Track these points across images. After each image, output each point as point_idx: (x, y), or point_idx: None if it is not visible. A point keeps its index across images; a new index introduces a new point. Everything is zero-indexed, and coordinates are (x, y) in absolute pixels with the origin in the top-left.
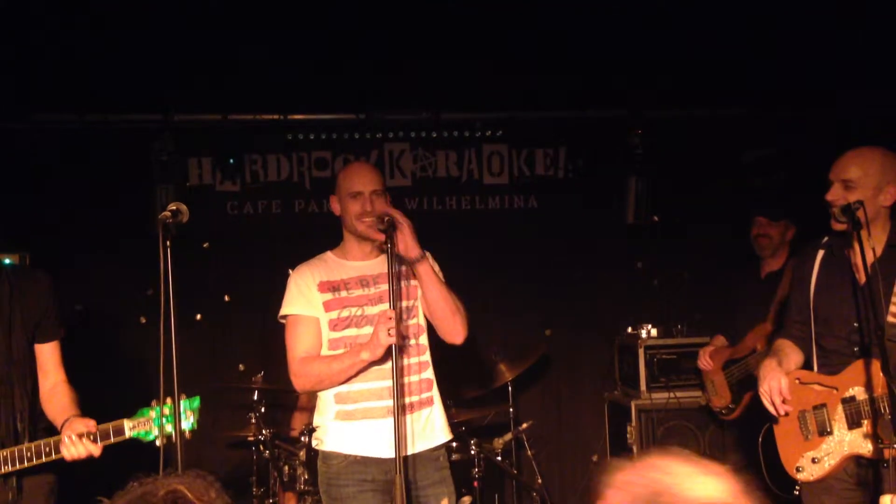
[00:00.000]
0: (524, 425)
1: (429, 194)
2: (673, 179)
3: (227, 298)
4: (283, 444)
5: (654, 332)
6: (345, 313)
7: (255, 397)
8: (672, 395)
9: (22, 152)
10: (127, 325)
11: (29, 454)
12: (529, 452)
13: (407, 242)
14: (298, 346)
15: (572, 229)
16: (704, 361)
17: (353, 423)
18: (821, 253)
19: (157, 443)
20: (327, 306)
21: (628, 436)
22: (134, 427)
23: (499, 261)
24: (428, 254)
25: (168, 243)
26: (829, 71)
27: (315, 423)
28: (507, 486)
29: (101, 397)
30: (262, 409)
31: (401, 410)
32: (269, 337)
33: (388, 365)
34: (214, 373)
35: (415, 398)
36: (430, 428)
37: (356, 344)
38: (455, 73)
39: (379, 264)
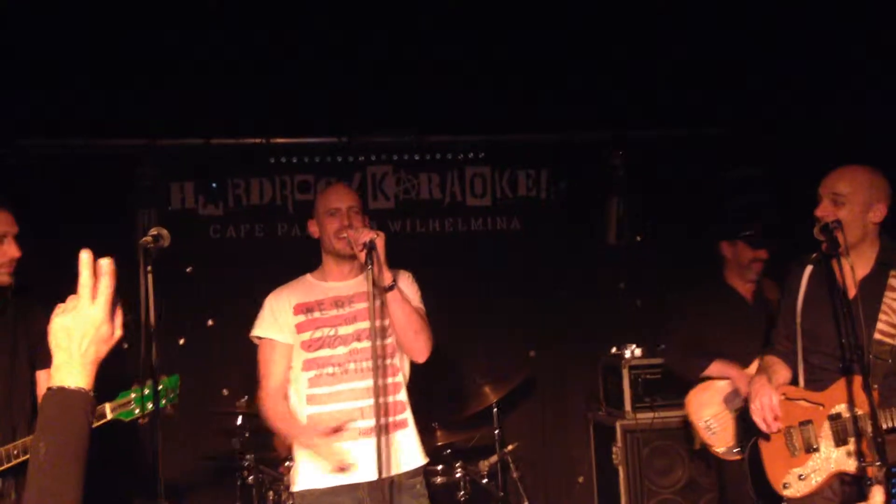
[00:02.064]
0: (509, 447)
1: (412, 217)
2: (655, 199)
3: (210, 323)
4: (268, 469)
5: (638, 351)
6: (318, 334)
7: (239, 422)
8: (657, 415)
9: (2, 177)
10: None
11: (16, 451)
12: (515, 474)
13: (380, 269)
14: (270, 375)
15: (555, 250)
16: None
17: (326, 445)
18: (809, 269)
19: (140, 422)
20: (300, 328)
21: (614, 456)
22: (115, 409)
23: (482, 282)
24: (408, 275)
25: (149, 269)
26: (816, 90)
27: (294, 446)
28: None
29: None
30: (247, 434)
31: (373, 432)
32: (254, 362)
33: (361, 384)
34: (198, 397)
35: (389, 419)
36: (404, 451)
37: (319, 428)
38: (438, 97)
39: (356, 285)
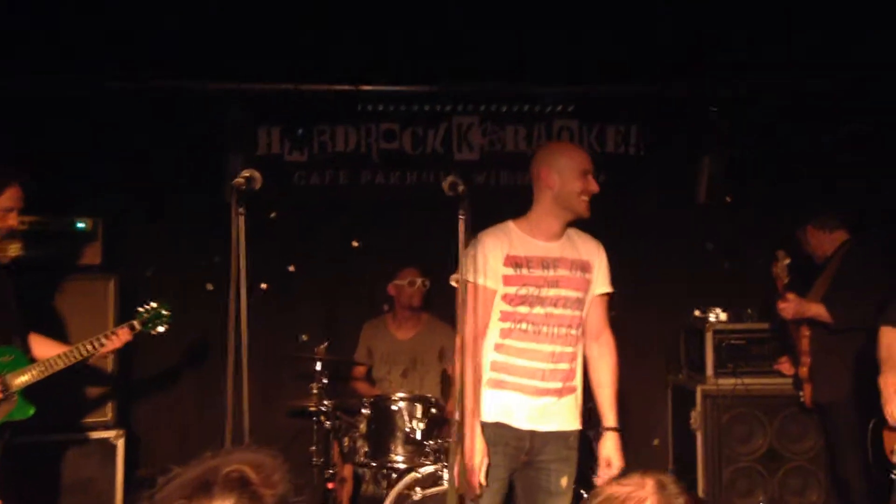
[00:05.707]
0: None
1: (497, 169)
2: (748, 157)
3: (292, 268)
4: (345, 415)
5: (723, 316)
6: (522, 291)
7: (318, 368)
8: (740, 381)
9: (95, 119)
10: (194, 291)
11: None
12: (590, 434)
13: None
14: (471, 319)
15: (642, 208)
16: None
17: (503, 391)
18: None
19: (153, 332)
20: (507, 280)
21: (692, 421)
22: (140, 324)
23: None
24: (601, 252)
25: (241, 210)
26: None
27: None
28: None
29: (167, 357)
30: (325, 380)
31: (547, 393)
32: (334, 307)
33: (549, 348)
34: (278, 342)
35: (561, 384)
36: (567, 414)
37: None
38: (526, 46)
39: (560, 247)
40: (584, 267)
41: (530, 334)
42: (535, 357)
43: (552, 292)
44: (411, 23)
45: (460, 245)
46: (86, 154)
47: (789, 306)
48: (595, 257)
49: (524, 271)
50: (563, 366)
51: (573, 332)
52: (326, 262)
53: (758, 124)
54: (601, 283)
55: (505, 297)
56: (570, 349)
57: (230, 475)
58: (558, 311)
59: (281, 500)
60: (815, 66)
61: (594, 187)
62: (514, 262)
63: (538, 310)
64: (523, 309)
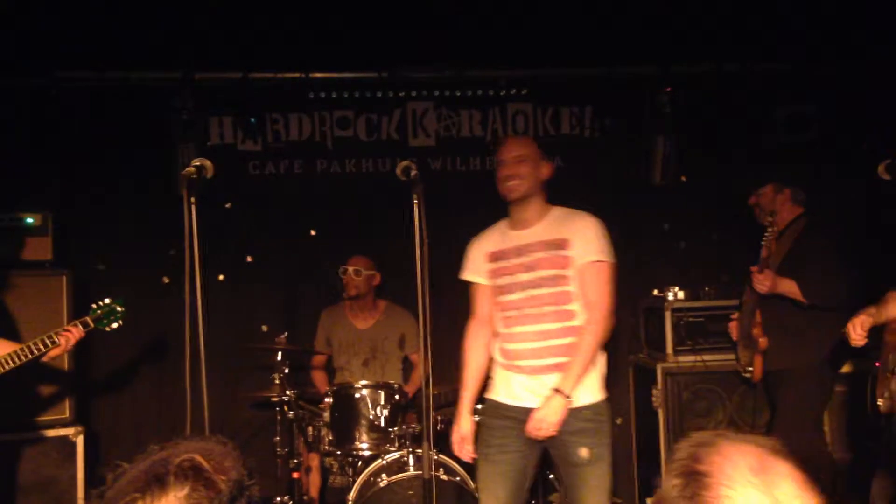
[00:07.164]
0: None
1: (452, 154)
2: (702, 138)
3: (249, 259)
4: (307, 405)
5: (681, 294)
6: (501, 281)
7: (279, 358)
8: (699, 358)
9: (42, 111)
10: (150, 284)
11: (24, 354)
12: None
13: None
14: (474, 310)
15: (598, 190)
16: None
17: (506, 372)
18: None
19: (107, 329)
20: (491, 274)
21: (654, 399)
22: (94, 321)
23: None
24: (593, 224)
25: (192, 200)
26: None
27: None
28: None
29: (125, 353)
30: (286, 370)
31: (543, 370)
32: (292, 297)
33: (535, 328)
34: (237, 333)
35: (559, 360)
36: (575, 390)
37: (463, 413)
38: (479, 30)
39: (535, 232)
40: (561, 244)
41: (518, 318)
42: (525, 339)
43: (528, 276)
44: (361, 8)
45: (416, 228)
46: (32, 147)
47: (765, 280)
48: (576, 232)
49: (502, 263)
50: (556, 342)
51: (558, 308)
52: (284, 252)
53: (709, 105)
54: (585, 253)
55: (494, 290)
56: (560, 325)
57: (182, 464)
58: (538, 291)
59: (235, 484)
60: (763, 48)
61: (504, 171)
62: (494, 257)
63: (519, 294)
64: (506, 297)
